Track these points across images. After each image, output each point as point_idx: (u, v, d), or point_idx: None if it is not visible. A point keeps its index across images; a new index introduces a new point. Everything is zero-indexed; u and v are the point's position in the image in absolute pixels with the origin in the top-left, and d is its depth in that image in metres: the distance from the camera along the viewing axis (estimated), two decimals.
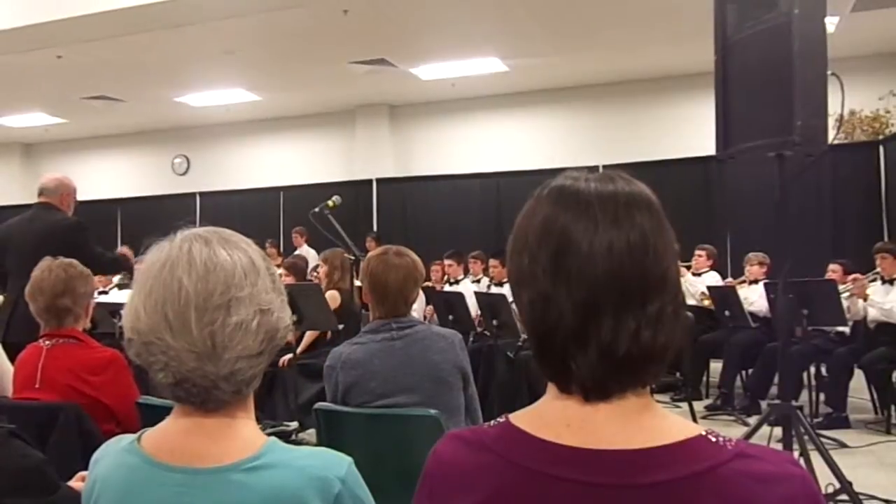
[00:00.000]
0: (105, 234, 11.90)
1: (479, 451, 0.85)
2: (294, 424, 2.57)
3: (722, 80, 3.34)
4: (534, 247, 0.83)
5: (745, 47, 3.24)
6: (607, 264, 0.79)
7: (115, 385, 2.36)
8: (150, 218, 11.40)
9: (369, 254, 2.34)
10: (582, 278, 0.79)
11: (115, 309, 5.28)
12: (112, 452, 1.04)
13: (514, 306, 0.99)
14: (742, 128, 3.29)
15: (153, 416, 2.10)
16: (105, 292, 7.11)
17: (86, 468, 2.34)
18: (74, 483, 1.68)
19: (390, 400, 2.13)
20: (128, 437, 1.04)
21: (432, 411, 2.04)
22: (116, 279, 7.94)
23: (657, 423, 0.81)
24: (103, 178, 12.44)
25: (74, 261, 2.51)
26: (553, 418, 0.82)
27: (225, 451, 0.97)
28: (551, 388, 0.85)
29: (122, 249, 4.59)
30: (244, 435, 1.00)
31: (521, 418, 0.85)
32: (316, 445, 2.31)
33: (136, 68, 8.49)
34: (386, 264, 2.23)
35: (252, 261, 1.02)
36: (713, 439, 0.79)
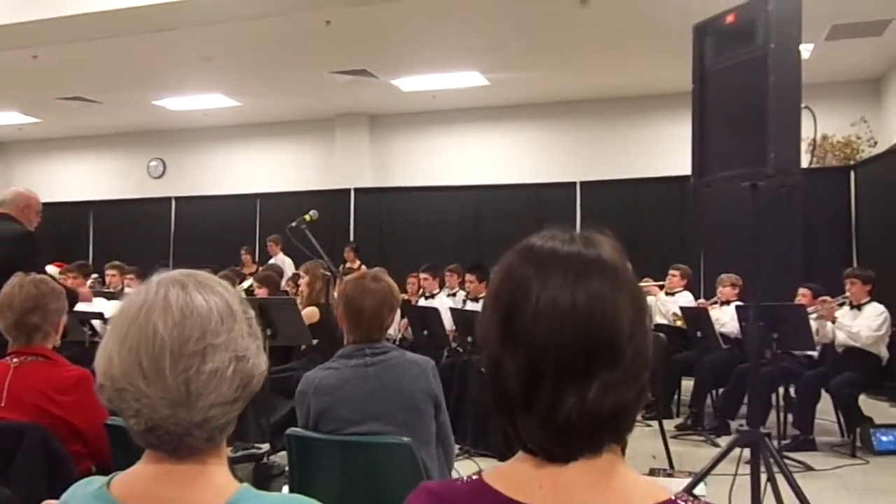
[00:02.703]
0: (77, 236, 11.76)
1: None
2: (265, 447, 2.54)
3: (699, 110, 3.40)
4: (490, 307, 0.84)
5: (723, 78, 3.30)
6: (550, 325, 0.78)
7: (84, 405, 2.32)
8: (124, 221, 11.30)
9: (346, 277, 2.33)
10: (525, 342, 0.79)
11: (84, 318, 5.21)
12: (80, 496, 1.03)
13: None
14: (717, 157, 3.34)
15: (121, 437, 2.08)
16: None
17: (51, 490, 2.29)
18: None
19: (362, 427, 2.12)
20: (97, 482, 1.03)
21: (405, 439, 2.03)
22: (87, 285, 7.84)
23: (628, 485, 0.82)
24: (77, 179, 12.28)
25: (47, 277, 2.47)
26: (525, 479, 0.83)
27: (197, 499, 0.97)
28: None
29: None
30: (216, 482, 0.99)
31: (495, 477, 0.86)
32: (287, 469, 2.30)
33: (114, 71, 8.41)
34: (362, 289, 2.23)
35: (229, 305, 1.02)
36: (681, 503, 0.80)
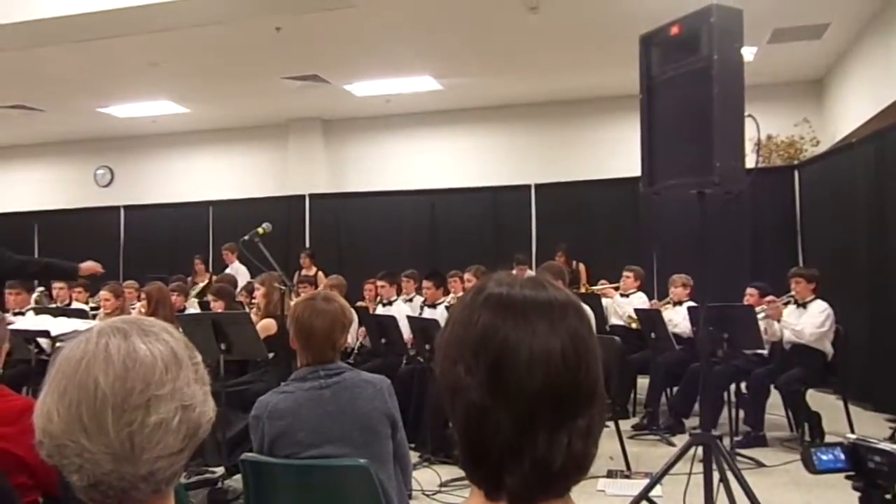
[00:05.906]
0: (22, 248, 11.37)
1: None
2: (220, 471, 2.49)
3: (647, 119, 3.46)
4: (470, 357, 0.82)
5: (669, 88, 3.37)
6: (545, 374, 0.79)
7: (29, 436, 2.23)
8: (71, 232, 10.97)
9: (296, 300, 2.30)
10: (520, 391, 0.79)
11: (30, 336, 5.06)
12: None
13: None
14: (666, 165, 3.41)
15: None
16: (21, 313, 6.79)
17: None
18: None
19: (318, 451, 2.09)
20: None
21: (362, 461, 2.02)
22: (33, 299, 7.60)
23: None
24: (20, 189, 11.92)
25: None
26: None
27: None
28: (478, 493, 0.85)
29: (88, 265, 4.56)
30: None
31: None
32: (243, 494, 2.26)
33: (57, 78, 8.18)
34: (312, 310, 2.20)
35: (174, 352, 0.99)
36: None
